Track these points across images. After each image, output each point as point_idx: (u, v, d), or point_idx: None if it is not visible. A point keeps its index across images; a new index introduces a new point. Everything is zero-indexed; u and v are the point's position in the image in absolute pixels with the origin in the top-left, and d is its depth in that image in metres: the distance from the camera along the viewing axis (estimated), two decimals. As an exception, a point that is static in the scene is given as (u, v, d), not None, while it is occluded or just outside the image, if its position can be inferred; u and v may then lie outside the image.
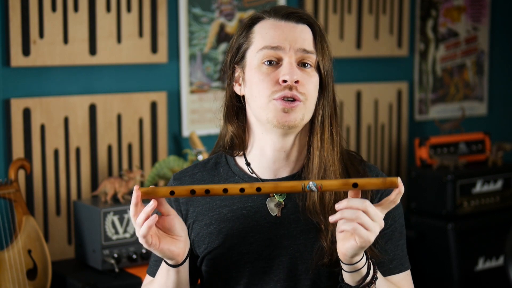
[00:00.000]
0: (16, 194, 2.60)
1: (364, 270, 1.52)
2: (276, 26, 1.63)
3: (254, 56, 1.63)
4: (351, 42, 3.64)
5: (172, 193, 1.50)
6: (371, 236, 1.45)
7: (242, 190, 1.49)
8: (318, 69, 1.63)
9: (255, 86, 1.62)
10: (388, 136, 3.83)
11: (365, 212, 1.45)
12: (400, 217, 1.68)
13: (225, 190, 1.49)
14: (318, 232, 1.61)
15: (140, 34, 3.02)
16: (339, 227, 1.47)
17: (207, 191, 1.50)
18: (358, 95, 3.69)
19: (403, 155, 3.88)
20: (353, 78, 3.68)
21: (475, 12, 4.13)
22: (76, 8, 2.87)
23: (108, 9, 2.94)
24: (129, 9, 2.99)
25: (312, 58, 1.62)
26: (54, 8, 2.82)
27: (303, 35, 1.62)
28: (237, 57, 1.67)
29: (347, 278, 1.54)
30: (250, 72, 1.64)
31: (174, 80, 3.17)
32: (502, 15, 4.26)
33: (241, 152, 1.71)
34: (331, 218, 1.47)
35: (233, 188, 1.49)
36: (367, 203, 1.45)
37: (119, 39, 2.97)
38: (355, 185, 1.48)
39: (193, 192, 1.50)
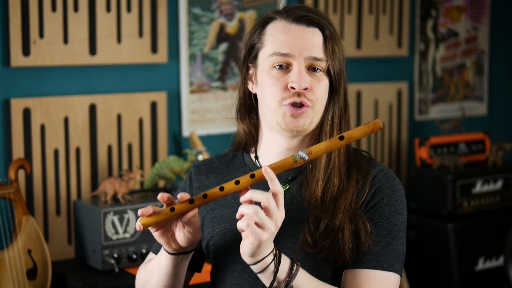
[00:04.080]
0: (16, 194, 2.60)
1: (271, 268, 1.49)
2: (286, 30, 1.64)
3: (265, 60, 1.65)
4: (351, 42, 3.63)
5: (172, 210, 1.53)
6: (264, 235, 1.44)
7: (237, 182, 1.50)
8: (328, 72, 1.65)
9: (265, 89, 1.66)
10: (388, 136, 3.83)
11: (265, 206, 1.44)
12: (393, 216, 1.63)
13: (221, 189, 1.51)
14: (304, 223, 1.61)
15: (140, 34, 3.02)
16: (237, 225, 1.46)
17: (204, 196, 1.52)
18: (358, 95, 3.69)
19: (403, 155, 3.88)
20: (353, 78, 3.68)
21: (475, 12, 4.13)
22: (76, 8, 2.87)
23: (108, 9, 2.94)
24: (129, 9, 2.99)
25: (322, 64, 1.64)
26: (54, 8, 2.82)
27: (313, 40, 1.64)
28: (250, 57, 1.70)
29: (262, 278, 1.52)
30: (262, 74, 1.67)
31: (174, 80, 3.17)
32: (502, 15, 4.26)
33: (253, 148, 1.76)
34: (237, 215, 1.46)
35: (229, 184, 1.52)
36: (269, 196, 1.44)
37: (119, 39, 2.97)
38: (341, 138, 1.52)
39: (191, 201, 1.53)
